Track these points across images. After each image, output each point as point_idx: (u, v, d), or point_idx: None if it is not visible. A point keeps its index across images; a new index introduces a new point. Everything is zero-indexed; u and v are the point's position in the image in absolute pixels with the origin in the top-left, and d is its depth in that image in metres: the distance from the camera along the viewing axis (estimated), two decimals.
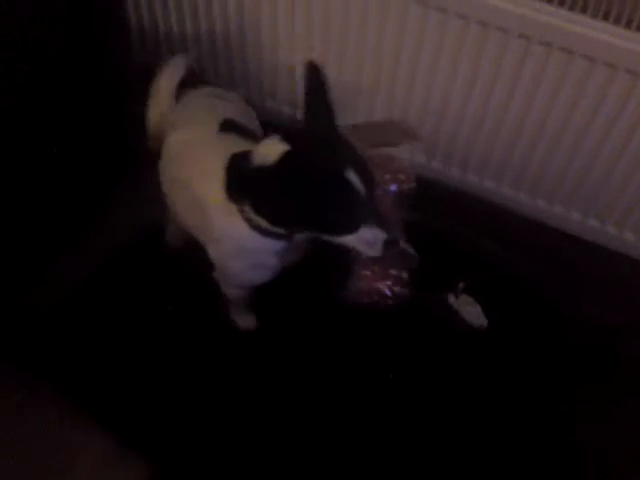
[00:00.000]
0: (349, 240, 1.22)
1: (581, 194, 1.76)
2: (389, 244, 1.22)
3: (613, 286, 1.69)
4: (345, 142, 1.22)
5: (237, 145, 1.32)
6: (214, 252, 1.38)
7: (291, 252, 1.36)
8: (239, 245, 1.32)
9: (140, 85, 1.56)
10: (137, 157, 1.66)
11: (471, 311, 1.61)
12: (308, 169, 1.16)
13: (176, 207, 1.47)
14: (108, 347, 1.58)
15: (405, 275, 1.50)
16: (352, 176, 1.15)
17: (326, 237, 1.24)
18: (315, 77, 1.24)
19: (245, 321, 1.61)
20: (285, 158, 1.16)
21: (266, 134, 1.27)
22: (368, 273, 1.49)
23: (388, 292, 1.49)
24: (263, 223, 1.26)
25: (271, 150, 1.17)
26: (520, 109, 1.67)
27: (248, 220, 1.26)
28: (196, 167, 1.36)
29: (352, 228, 1.21)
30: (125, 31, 1.88)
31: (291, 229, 1.27)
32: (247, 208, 1.25)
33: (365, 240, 1.22)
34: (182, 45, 2.03)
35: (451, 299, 1.63)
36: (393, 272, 1.49)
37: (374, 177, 1.20)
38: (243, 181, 1.23)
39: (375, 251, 1.23)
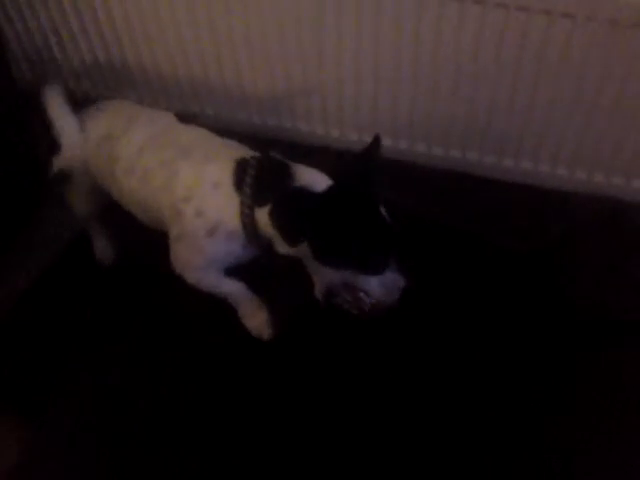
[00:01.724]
0: (371, 282, 1.31)
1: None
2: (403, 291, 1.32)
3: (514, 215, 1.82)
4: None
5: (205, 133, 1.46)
6: (188, 226, 1.37)
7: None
8: (218, 225, 1.35)
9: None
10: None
11: None
12: (357, 205, 1.25)
13: (139, 191, 1.45)
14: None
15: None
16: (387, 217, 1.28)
17: (350, 275, 1.31)
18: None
19: (257, 321, 1.54)
20: (334, 192, 1.26)
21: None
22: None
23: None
24: (265, 229, 1.33)
25: (317, 178, 1.30)
26: None
27: (246, 215, 1.32)
28: (181, 150, 1.40)
29: (383, 267, 1.30)
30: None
31: (325, 260, 1.31)
32: (260, 210, 1.31)
33: (385, 284, 1.32)
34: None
35: None
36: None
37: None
38: (278, 188, 1.31)
39: (392, 296, 1.34)
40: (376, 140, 1.33)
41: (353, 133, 1.98)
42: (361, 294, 1.34)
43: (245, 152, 1.40)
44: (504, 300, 1.65)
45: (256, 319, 1.53)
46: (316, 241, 1.29)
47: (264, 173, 1.33)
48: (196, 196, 1.36)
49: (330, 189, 1.27)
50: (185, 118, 1.54)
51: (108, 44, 2.02)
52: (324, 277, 1.36)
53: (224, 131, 1.49)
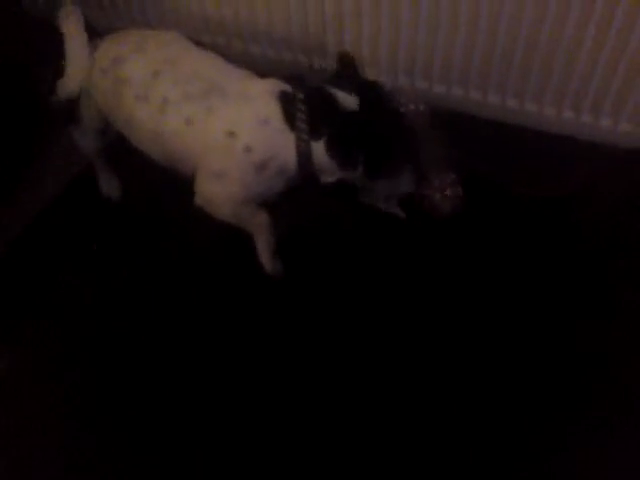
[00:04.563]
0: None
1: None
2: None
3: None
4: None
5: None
6: (235, 162, 1.35)
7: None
8: (269, 160, 1.35)
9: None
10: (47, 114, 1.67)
11: None
12: (387, 116, 1.39)
13: (155, 123, 1.39)
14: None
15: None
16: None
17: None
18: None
19: (274, 264, 1.53)
20: (365, 107, 1.35)
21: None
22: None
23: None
24: (321, 158, 1.37)
25: (349, 100, 1.35)
26: None
27: (302, 150, 1.35)
28: (209, 83, 1.36)
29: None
30: None
31: (380, 175, 1.44)
32: (315, 142, 1.35)
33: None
34: None
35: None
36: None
37: None
38: (331, 120, 1.35)
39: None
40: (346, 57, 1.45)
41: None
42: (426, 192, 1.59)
43: (279, 85, 1.38)
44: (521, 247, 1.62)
45: (272, 254, 1.51)
46: (371, 161, 1.38)
47: (314, 107, 1.34)
48: (243, 132, 1.33)
49: (366, 110, 1.35)
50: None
51: None
52: (380, 190, 1.51)
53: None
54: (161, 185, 1.56)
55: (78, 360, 1.48)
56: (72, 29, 1.48)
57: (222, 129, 1.33)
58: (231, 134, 1.32)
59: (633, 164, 1.73)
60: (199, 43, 1.48)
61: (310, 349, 1.46)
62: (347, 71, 1.42)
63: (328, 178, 1.40)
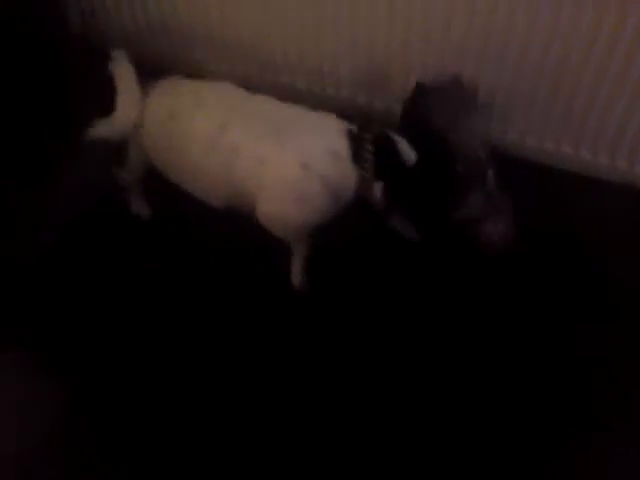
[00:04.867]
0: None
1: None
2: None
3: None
4: None
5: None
6: (309, 189, 1.45)
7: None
8: (336, 190, 1.47)
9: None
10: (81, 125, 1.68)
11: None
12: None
13: (224, 169, 1.49)
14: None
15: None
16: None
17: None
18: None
19: (302, 279, 1.65)
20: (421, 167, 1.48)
21: None
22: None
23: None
24: (375, 200, 1.51)
25: (410, 154, 1.49)
26: None
27: (363, 188, 1.48)
28: (276, 123, 1.48)
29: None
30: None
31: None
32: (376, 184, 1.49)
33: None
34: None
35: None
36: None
37: None
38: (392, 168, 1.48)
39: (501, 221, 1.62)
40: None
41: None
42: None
43: (345, 123, 1.49)
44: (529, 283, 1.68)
45: (304, 271, 1.64)
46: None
47: (379, 150, 1.46)
48: (317, 164, 1.44)
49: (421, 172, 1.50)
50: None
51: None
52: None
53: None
54: (190, 205, 1.61)
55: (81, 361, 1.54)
56: (122, 73, 1.57)
57: (297, 162, 1.44)
58: (305, 166, 1.43)
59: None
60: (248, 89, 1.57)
61: (318, 356, 1.55)
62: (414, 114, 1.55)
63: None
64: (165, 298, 1.66)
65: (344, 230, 1.57)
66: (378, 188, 1.50)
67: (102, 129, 1.57)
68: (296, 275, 1.64)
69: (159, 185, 1.63)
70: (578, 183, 1.83)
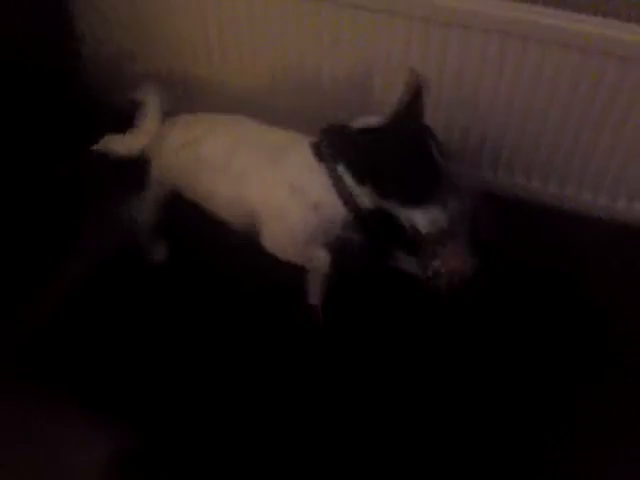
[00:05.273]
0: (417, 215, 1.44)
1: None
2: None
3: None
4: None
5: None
6: (291, 208, 1.52)
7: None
8: (322, 196, 1.50)
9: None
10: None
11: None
12: (407, 133, 1.44)
13: (232, 189, 1.59)
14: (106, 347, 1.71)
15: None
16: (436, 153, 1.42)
17: (396, 209, 1.46)
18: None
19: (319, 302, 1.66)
20: (385, 125, 1.44)
21: None
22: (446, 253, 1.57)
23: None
24: (350, 186, 1.47)
25: (370, 120, 1.46)
26: None
27: (333, 179, 1.47)
28: (273, 149, 1.57)
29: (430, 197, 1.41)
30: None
31: (378, 188, 1.46)
32: (341, 169, 1.47)
33: (431, 218, 1.43)
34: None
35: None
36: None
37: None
38: (345, 141, 1.44)
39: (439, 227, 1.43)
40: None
41: None
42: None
43: (307, 137, 1.54)
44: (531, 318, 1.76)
45: (322, 296, 1.65)
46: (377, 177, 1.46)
47: (332, 139, 1.46)
48: (307, 189, 1.51)
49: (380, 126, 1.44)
50: None
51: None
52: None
53: None
54: (206, 247, 1.72)
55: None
56: (152, 99, 1.72)
57: (287, 187, 1.52)
58: (295, 190, 1.51)
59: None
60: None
61: (318, 359, 1.64)
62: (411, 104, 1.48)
63: (367, 202, 1.50)
64: (184, 341, 1.72)
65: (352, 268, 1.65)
66: (345, 173, 1.48)
67: (112, 143, 1.71)
68: (313, 294, 1.65)
69: (175, 229, 1.73)
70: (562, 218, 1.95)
